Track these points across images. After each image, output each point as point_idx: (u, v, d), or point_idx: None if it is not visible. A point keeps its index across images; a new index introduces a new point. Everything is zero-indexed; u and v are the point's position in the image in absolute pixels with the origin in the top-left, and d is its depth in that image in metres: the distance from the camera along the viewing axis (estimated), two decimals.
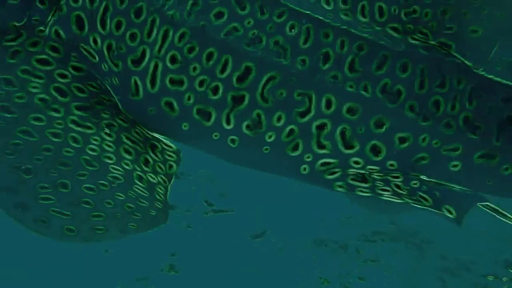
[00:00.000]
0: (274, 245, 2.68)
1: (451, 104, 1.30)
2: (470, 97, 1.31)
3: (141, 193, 1.13)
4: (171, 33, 1.29)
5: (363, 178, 1.31)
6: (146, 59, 1.30)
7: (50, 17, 1.33)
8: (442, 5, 1.26)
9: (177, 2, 1.28)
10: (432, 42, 1.29)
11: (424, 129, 1.31)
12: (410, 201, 1.28)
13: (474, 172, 1.37)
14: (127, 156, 1.21)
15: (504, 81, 1.30)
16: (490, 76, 1.31)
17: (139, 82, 1.31)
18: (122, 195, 1.08)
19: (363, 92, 1.28)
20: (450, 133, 1.32)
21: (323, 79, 1.28)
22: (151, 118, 1.32)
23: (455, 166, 1.35)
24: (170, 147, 1.37)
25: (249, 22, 1.27)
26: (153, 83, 1.30)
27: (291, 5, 1.26)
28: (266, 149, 1.33)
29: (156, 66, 1.30)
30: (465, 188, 1.36)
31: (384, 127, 1.30)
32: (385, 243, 2.73)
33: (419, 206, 1.28)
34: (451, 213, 1.28)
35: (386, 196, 1.27)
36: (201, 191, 3.51)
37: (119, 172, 1.14)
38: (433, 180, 1.35)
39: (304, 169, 1.33)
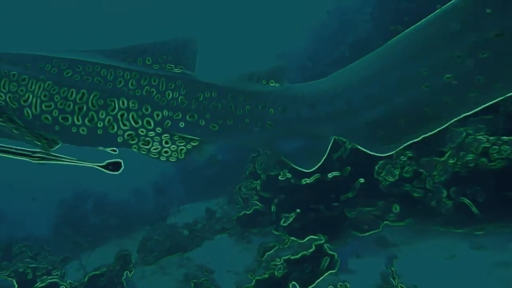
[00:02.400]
0: None
1: (173, 94, 2.53)
2: (180, 89, 2.53)
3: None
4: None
5: (147, 142, 2.51)
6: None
7: None
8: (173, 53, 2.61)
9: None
10: (177, 69, 2.56)
11: (163, 107, 2.52)
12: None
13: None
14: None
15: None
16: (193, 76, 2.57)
17: (29, 111, 2.50)
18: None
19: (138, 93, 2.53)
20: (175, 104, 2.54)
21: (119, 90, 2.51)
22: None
23: (181, 124, 2.54)
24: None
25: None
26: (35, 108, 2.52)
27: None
28: (100, 131, 2.46)
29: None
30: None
31: (149, 109, 2.50)
32: None
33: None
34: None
35: (154, 152, 2.53)
36: None
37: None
38: (182, 134, 2.52)
39: (119, 139, 2.49)
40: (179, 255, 6.41)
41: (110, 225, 9.46)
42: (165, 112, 2.55)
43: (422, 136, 2.01)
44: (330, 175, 5.37)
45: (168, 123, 2.55)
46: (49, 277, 5.08)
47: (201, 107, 2.58)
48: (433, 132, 1.98)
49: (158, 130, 2.56)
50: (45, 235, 9.35)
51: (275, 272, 4.32)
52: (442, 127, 1.96)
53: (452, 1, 1.78)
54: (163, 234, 7.03)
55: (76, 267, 7.28)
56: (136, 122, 2.53)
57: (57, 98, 2.49)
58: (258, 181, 6.97)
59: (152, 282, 5.45)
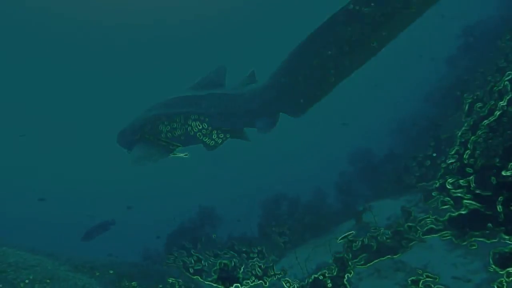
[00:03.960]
0: None
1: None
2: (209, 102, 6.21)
3: None
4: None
5: (206, 135, 6.07)
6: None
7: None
8: None
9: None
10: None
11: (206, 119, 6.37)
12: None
13: None
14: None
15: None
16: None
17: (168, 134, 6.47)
18: None
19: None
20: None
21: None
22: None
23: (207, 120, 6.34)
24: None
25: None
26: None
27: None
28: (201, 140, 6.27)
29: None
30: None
31: (207, 120, 6.21)
32: None
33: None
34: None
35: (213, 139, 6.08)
36: None
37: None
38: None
39: (199, 135, 5.95)
40: (389, 258, 6.31)
41: (305, 225, 10.08)
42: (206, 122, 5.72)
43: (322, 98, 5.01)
44: None
45: (209, 123, 5.60)
46: (279, 276, 5.71)
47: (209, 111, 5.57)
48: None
49: (210, 128, 5.58)
50: (254, 235, 10.65)
51: None
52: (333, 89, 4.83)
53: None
54: (366, 235, 7.04)
55: (287, 265, 8.02)
56: (199, 126, 5.55)
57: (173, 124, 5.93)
58: (471, 177, 6.23)
59: (372, 285, 5.51)
